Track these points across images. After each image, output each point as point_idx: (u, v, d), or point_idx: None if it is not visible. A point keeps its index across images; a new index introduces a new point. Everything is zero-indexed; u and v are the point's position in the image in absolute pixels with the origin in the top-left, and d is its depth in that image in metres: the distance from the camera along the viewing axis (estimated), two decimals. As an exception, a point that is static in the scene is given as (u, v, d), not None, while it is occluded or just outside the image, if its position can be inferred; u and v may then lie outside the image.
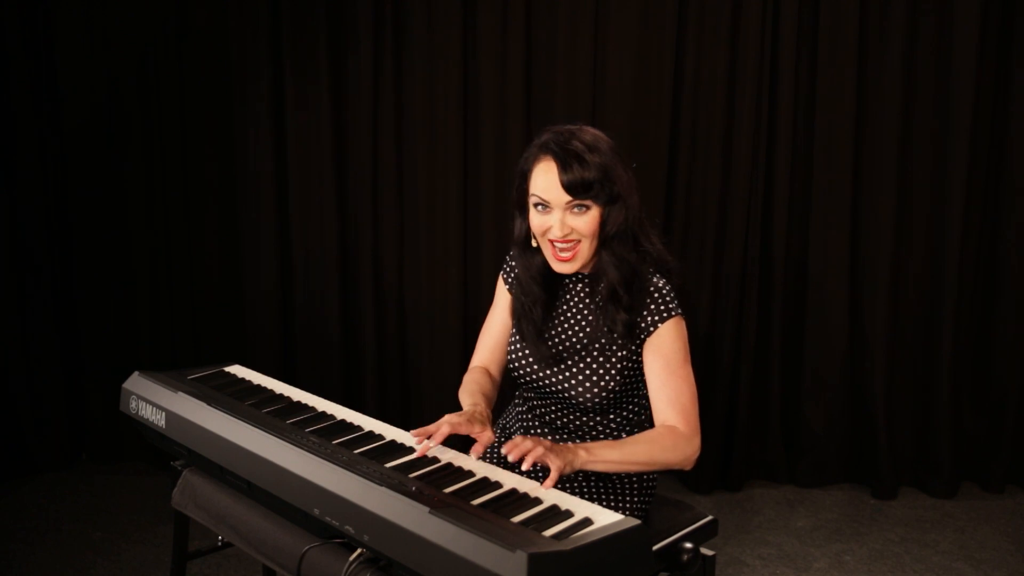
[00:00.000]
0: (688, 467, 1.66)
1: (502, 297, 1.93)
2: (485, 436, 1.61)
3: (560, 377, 1.77)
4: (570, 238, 1.69)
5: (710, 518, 1.76)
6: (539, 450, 1.46)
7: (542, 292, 1.80)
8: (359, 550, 1.41)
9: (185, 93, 3.32)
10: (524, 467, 1.46)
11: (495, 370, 1.94)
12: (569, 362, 1.77)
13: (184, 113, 3.33)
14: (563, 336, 1.81)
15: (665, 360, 1.69)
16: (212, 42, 3.31)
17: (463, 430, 1.61)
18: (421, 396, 3.47)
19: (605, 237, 1.69)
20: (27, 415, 3.40)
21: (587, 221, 1.68)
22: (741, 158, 3.22)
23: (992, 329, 3.35)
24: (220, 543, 1.92)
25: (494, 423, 1.94)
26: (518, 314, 1.84)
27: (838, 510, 3.21)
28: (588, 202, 1.67)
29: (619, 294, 1.70)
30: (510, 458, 1.47)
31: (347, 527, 1.38)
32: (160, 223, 3.38)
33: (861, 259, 3.31)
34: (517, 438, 1.50)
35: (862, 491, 3.36)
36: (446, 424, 1.58)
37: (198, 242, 3.42)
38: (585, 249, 1.70)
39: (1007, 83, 3.21)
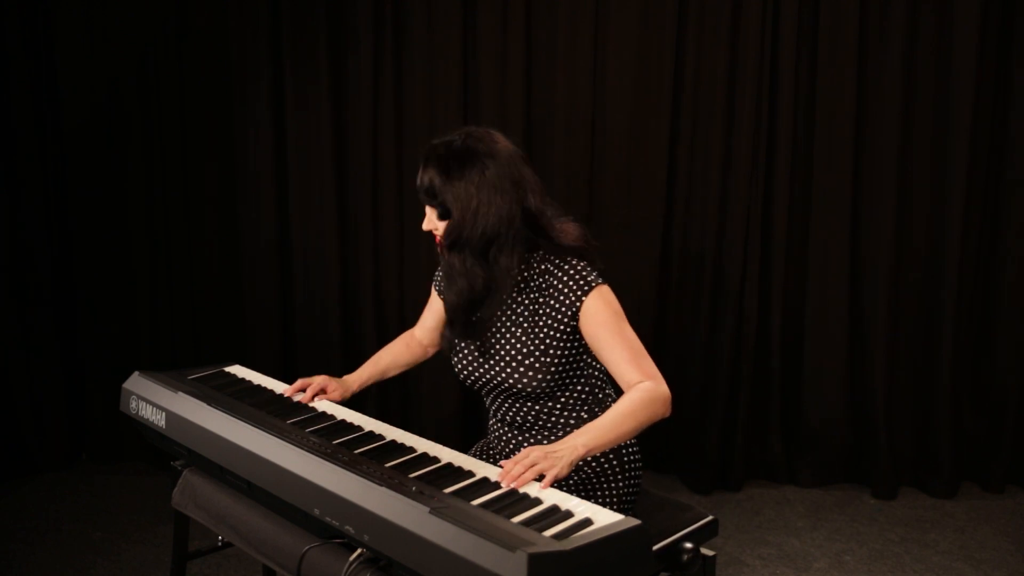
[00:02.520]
0: (668, 413, 1.69)
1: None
2: (335, 394, 1.93)
3: (498, 367, 1.80)
4: (438, 235, 1.78)
5: (710, 518, 1.76)
6: (528, 475, 1.47)
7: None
8: (359, 550, 1.41)
9: (185, 93, 3.32)
10: (519, 487, 1.47)
11: (425, 338, 2.18)
12: (498, 345, 1.80)
13: (184, 113, 3.33)
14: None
15: (605, 328, 1.72)
16: (212, 42, 3.31)
17: (328, 398, 1.91)
18: (421, 396, 3.47)
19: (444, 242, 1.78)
20: (27, 415, 3.40)
21: (443, 225, 1.77)
22: (741, 158, 3.22)
23: (992, 329, 3.35)
24: (220, 543, 1.92)
25: (488, 430, 2.01)
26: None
27: (838, 510, 3.21)
28: (431, 208, 1.77)
29: (471, 301, 1.78)
30: (503, 485, 1.47)
31: (347, 527, 1.38)
32: (160, 223, 3.38)
33: (861, 259, 3.31)
34: (509, 464, 1.49)
35: (862, 491, 3.36)
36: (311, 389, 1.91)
37: (198, 242, 3.42)
38: None
39: (1007, 83, 3.20)
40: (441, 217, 1.75)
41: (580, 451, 1.53)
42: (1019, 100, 3.19)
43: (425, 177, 1.74)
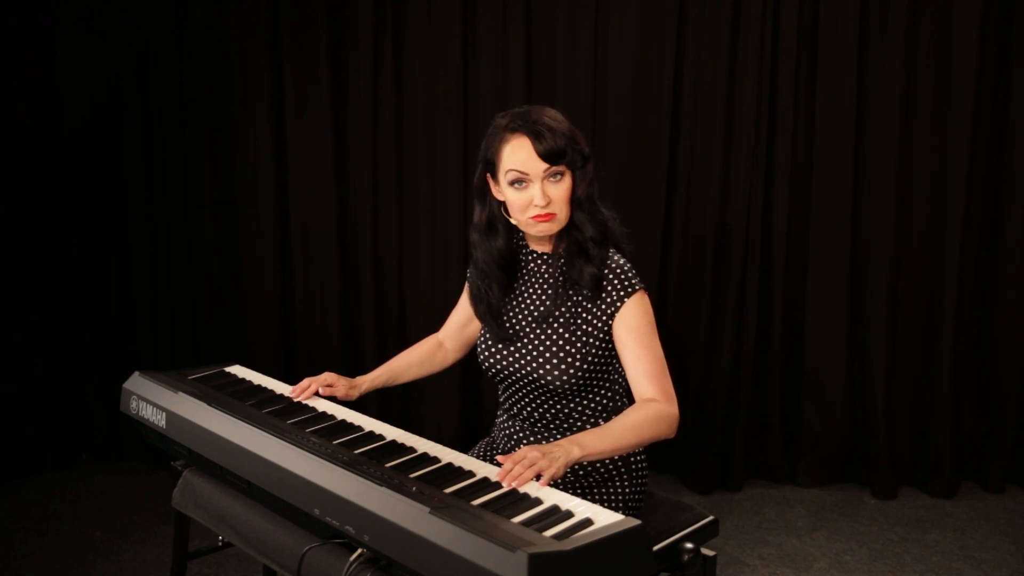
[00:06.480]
0: (672, 435, 1.69)
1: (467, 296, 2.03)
2: (339, 389, 1.91)
3: (528, 358, 1.79)
4: (549, 209, 1.73)
5: (710, 518, 1.76)
6: (528, 474, 1.45)
7: (502, 274, 1.87)
8: (359, 550, 1.41)
9: (185, 93, 3.32)
10: (519, 487, 1.46)
11: (448, 341, 2.11)
12: (532, 336, 1.80)
13: (184, 113, 3.33)
14: (522, 312, 1.85)
15: (636, 334, 1.73)
16: (212, 42, 3.31)
17: (331, 391, 1.90)
18: (421, 396, 3.47)
19: (578, 199, 1.76)
20: (27, 415, 3.40)
21: (563, 189, 1.74)
22: (741, 158, 3.22)
23: (992, 329, 3.35)
24: (220, 543, 1.92)
25: (489, 431, 2.02)
26: (475, 299, 1.90)
27: (838, 510, 3.21)
28: (562, 168, 1.73)
29: (589, 249, 1.76)
30: (504, 485, 1.46)
31: (347, 527, 1.38)
32: (160, 223, 3.38)
33: (861, 259, 3.31)
34: (507, 464, 1.47)
35: (862, 491, 3.36)
36: (315, 383, 1.89)
37: (198, 242, 3.42)
38: (562, 214, 1.76)
39: (1007, 83, 3.21)
40: (578, 166, 1.74)
41: (575, 454, 1.52)
42: (1019, 99, 3.19)
43: (548, 145, 1.70)
